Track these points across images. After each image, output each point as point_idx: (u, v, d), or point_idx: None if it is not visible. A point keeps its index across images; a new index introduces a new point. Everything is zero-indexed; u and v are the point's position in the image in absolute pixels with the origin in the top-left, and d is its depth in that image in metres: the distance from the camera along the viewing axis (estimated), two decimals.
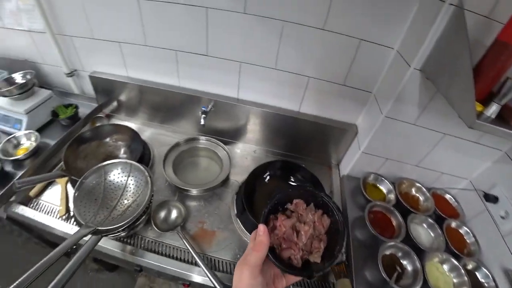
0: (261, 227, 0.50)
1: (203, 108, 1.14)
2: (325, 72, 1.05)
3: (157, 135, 1.34)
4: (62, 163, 1.02)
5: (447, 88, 0.70)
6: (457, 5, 0.69)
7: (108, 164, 0.94)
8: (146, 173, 0.92)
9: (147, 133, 1.34)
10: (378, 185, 1.19)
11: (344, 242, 0.52)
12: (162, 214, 0.99)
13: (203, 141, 1.28)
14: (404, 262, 0.94)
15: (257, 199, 1.09)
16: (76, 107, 1.27)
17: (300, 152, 1.32)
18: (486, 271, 0.93)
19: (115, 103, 1.33)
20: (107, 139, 1.18)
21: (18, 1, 1.12)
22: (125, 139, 1.18)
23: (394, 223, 1.05)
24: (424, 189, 1.14)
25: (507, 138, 0.64)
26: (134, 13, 1.04)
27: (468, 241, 1.04)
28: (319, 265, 0.52)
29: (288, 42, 0.99)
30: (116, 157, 1.16)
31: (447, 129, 0.96)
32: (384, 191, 1.17)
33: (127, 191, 0.94)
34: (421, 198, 1.15)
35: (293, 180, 1.12)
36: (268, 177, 1.12)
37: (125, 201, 0.93)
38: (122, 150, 1.17)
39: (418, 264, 0.90)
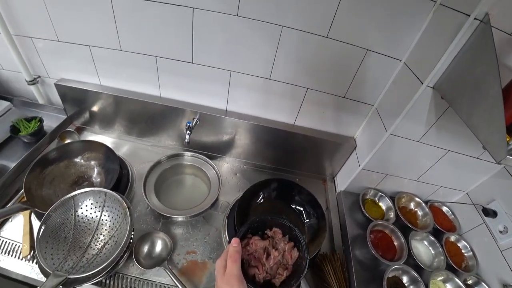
0: (235, 239, 0.59)
1: (188, 124, 1.02)
2: (326, 83, 0.97)
3: (136, 150, 1.20)
4: (22, 191, 0.87)
5: (469, 114, 0.63)
6: (483, 20, 0.61)
7: (78, 194, 0.81)
8: (124, 204, 0.80)
9: (124, 148, 1.20)
10: (377, 201, 1.15)
11: (302, 277, 0.60)
12: (145, 248, 0.87)
13: (188, 157, 1.15)
14: (408, 284, 0.93)
15: None
16: (41, 120, 1.11)
17: (293, 166, 1.24)
18: (486, 286, 0.94)
19: (86, 115, 1.18)
20: (78, 158, 1.03)
21: None
22: (98, 157, 1.04)
23: (396, 243, 1.02)
24: (423, 204, 1.13)
25: None
26: (105, 12, 0.89)
27: (466, 255, 1.04)
28: None
29: (287, 50, 0.89)
30: (89, 178, 1.02)
31: (451, 146, 0.93)
32: (383, 207, 1.14)
33: (102, 225, 0.82)
34: (419, 213, 1.14)
35: (289, 200, 1.03)
36: (262, 198, 1.02)
37: (101, 237, 0.81)
38: (96, 171, 1.03)
39: (422, 286, 0.88)
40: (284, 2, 0.79)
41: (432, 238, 1.02)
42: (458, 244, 1.06)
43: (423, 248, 1.04)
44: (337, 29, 0.83)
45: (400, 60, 0.87)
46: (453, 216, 1.13)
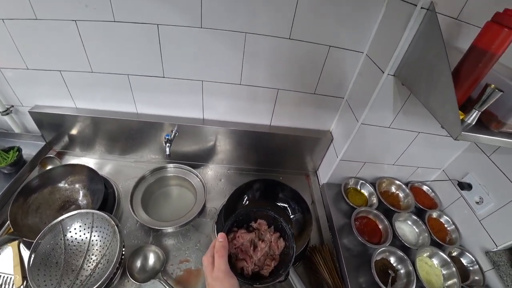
0: (221, 234, 0.60)
1: (167, 136, 1.04)
2: (295, 82, 1.00)
3: (119, 168, 1.21)
4: (8, 222, 0.87)
5: (427, 97, 0.67)
6: (429, 8, 0.66)
7: (65, 218, 0.81)
8: (112, 222, 0.81)
9: (107, 167, 1.20)
10: (359, 188, 1.18)
11: (290, 266, 0.61)
12: (138, 262, 0.88)
13: (171, 169, 1.17)
14: (395, 264, 0.96)
15: None
16: (19, 149, 1.10)
17: (275, 166, 1.27)
18: (469, 255, 0.99)
19: (66, 139, 1.17)
20: (62, 183, 1.03)
21: None
22: (82, 179, 1.04)
23: (380, 226, 1.06)
24: (404, 186, 1.17)
25: (490, 144, 0.63)
26: (72, 37, 0.90)
27: (448, 229, 1.09)
28: (265, 279, 0.62)
29: (253, 55, 0.92)
30: (76, 201, 1.02)
31: (421, 127, 0.98)
32: (366, 194, 1.17)
33: (92, 246, 0.83)
34: (401, 194, 1.18)
35: (273, 198, 1.06)
36: (247, 200, 1.05)
37: (93, 257, 0.82)
38: (81, 193, 1.03)
39: (409, 264, 0.92)
40: (243, 10, 0.82)
41: (415, 217, 1.07)
42: (441, 220, 1.10)
43: (408, 228, 1.08)
44: (298, 30, 0.86)
45: (362, 53, 0.92)
46: (433, 193, 1.18)
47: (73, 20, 0.87)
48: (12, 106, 1.12)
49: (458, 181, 1.06)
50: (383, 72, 0.80)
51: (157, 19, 0.85)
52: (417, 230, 1.07)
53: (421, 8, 0.67)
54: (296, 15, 0.83)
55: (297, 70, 0.97)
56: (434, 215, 1.11)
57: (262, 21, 0.85)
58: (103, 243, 0.84)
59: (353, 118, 0.97)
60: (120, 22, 0.86)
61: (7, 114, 1.11)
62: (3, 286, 0.83)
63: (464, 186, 1.03)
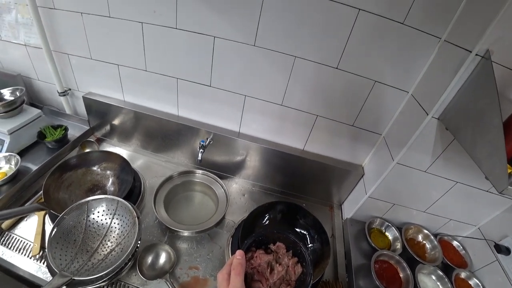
0: (239, 252, 0.57)
1: (202, 142, 1.07)
2: (335, 111, 1.01)
3: (150, 164, 1.25)
4: (41, 192, 0.92)
5: (473, 145, 0.65)
6: (484, 56, 0.65)
7: (92, 200, 0.85)
8: (134, 214, 0.83)
9: (139, 161, 1.25)
10: (383, 230, 1.13)
11: None
12: (149, 259, 0.89)
13: (199, 175, 1.19)
14: None
15: None
16: (66, 129, 1.18)
17: (300, 191, 1.25)
18: None
19: (108, 127, 1.25)
20: (95, 167, 1.08)
21: (17, 14, 1.08)
22: (114, 168, 1.09)
23: (401, 275, 0.99)
24: (432, 237, 1.10)
25: None
26: (136, 37, 0.99)
27: None
28: None
29: (298, 79, 0.95)
30: (104, 187, 1.06)
31: (459, 177, 0.92)
32: (390, 237, 1.11)
33: (111, 232, 0.85)
34: (428, 245, 1.10)
35: (293, 223, 1.03)
36: (267, 220, 1.03)
37: (108, 243, 0.83)
38: (111, 180, 1.08)
39: None
40: (298, 35, 0.86)
41: (441, 273, 0.98)
42: (470, 282, 1.00)
43: (431, 283, 0.99)
44: (346, 61, 0.88)
45: (408, 92, 0.91)
46: (464, 251, 1.09)
47: (140, 22, 0.96)
48: (70, 89, 1.23)
49: (494, 243, 0.98)
50: (427, 114, 0.79)
51: (214, 32, 0.92)
52: (441, 287, 0.98)
53: (476, 55, 0.66)
54: (346, 46, 0.85)
55: (339, 100, 0.98)
56: (463, 275, 1.01)
57: (313, 47, 0.88)
58: (121, 232, 0.85)
59: (389, 156, 0.94)
60: (181, 30, 0.94)
61: (64, 95, 1.21)
62: (21, 250, 0.87)
63: (502, 249, 0.94)
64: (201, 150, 1.05)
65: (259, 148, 1.13)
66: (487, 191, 0.94)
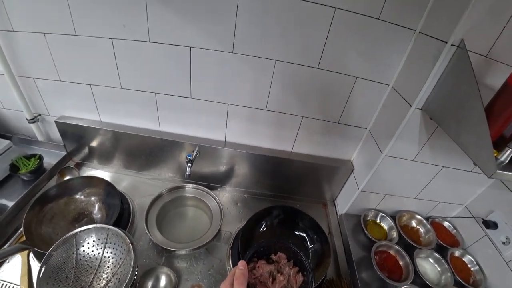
0: (241, 262, 0.58)
1: (188, 157, 1.04)
2: (320, 111, 1.01)
3: (136, 184, 1.20)
4: (21, 229, 0.86)
5: (457, 133, 0.67)
6: (459, 45, 0.67)
7: (80, 231, 0.80)
8: (128, 240, 0.79)
9: (124, 182, 1.20)
10: (378, 221, 1.15)
11: None
12: (149, 284, 0.85)
13: (189, 189, 1.16)
14: None
15: None
16: (40, 157, 1.11)
17: (293, 192, 1.25)
18: None
19: (86, 150, 1.19)
20: (78, 195, 1.02)
21: None
22: (99, 192, 1.03)
23: (401, 263, 1.02)
24: (425, 221, 1.13)
25: None
26: (107, 54, 0.94)
27: (472, 269, 1.04)
28: None
29: (281, 82, 0.94)
30: (90, 215, 1.01)
31: (445, 162, 0.96)
32: (385, 227, 1.14)
33: (104, 262, 0.80)
34: (421, 230, 1.14)
35: (291, 226, 1.03)
36: (265, 227, 1.02)
37: (104, 275, 0.79)
38: (97, 207, 1.02)
39: None
40: (276, 38, 0.85)
41: (437, 255, 1.02)
42: (464, 259, 1.05)
43: (429, 266, 1.03)
44: (326, 60, 0.88)
45: (388, 85, 0.93)
46: (455, 230, 1.14)
47: (109, 38, 0.91)
48: (40, 114, 1.15)
49: (482, 219, 1.02)
50: (411, 106, 0.81)
51: (190, 42, 0.89)
52: (439, 269, 1.02)
53: (452, 45, 0.68)
54: (326, 46, 0.85)
55: (323, 99, 0.98)
56: (457, 253, 1.06)
57: (292, 49, 0.87)
58: (116, 261, 0.81)
59: (377, 149, 0.96)
60: (154, 43, 0.90)
61: (34, 122, 1.14)
62: None
63: (489, 225, 0.99)
64: (189, 164, 1.02)
65: (247, 155, 1.11)
66: (471, 171, 0.98)
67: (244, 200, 1.23)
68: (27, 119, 1.13)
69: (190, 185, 1.16)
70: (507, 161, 0.61)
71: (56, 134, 1.17)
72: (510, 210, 0.94)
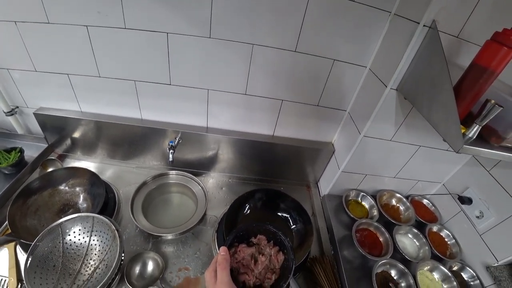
0: (222, 248, 0.61)
1: (171, 143, 1.04)
2: (299, 94, 1.02)
3: (120, 173, 1.20)
4: (6, 223, 0.86)
5: (429, 111, 0.69)
6: (431, 26, 0.69)
7: (65, 221, 0.81)
8: (113, 227, 0.80)
9: (108, 172, 1.20)
10: (360, 200, 1.19)
11: (290, 278, 0.61)
12: (137, 269, 0.87)
13: (173, 175, 1.17)
14: (396, 278, 0.95)
15: None
16: (21, 150, 1.09)
17: (277, 176, 1.27)
18: (470, 270, 0.98)
19: (68, 142, 1.17)
20: (62, 186, 1.02)
21: None
22: (83, 183, 1.04)
23: (381, 239, 1.05)
24: (404, 199, 1.17)
25: (490, 158, 0.64)
26: (83, 42, 0.92)
27: (449, 243, 1.09)
28: None
29: (259, 66, 0.94)
30: (75, 205, 1.01)
31: (421, 141, 0.99)
32: (367, 206, 1.17)
33: (91, 250, 0.82)
34: (401, 207, 1.18)
35: (274, 208, 1.06)
36: (248, 209, 1.04)
37: (91, 262, 0.81)
38: (82, 197, 1.03)
39: (410, 278, 0.92)
40: (253, 21, 0.85)
41: (416, 231, 1.07)
42: (441, 234, 1.11)
43: (408, 241, 1.08)
44: (304, 43, 0.89)
45: (366, 67, 0.94)
46: (433, 207, 1.19)
47: (84, 26, 0.89)
48: (17, 107, 1.13)
49: (458, 195, 1.07)
50: (386, 86, 0.82)
51: (167, 28, 0.88)
52: (417, 244, 1.07)
53: (424, 26, 0.70)
54: (302, 29, 0.86)
55: (301, 82, 0.99)
56: (435, 228, 1.11)
57: (270, 33, 0.87)
58: (102, 247, 0.83)
59: (356, 130, 0.98)
60: (130, 29, 0.88)
61: (12, 115, 1.11)
62: None
63: (464, 200, 1.04)
64: (171, 151, 1.02)
65: (229, 140, 1.12)
66: (447, 150, 1.01)
67: (229, 185, 1.25)
68: (4, 112, 1.10)
69: (175, 172, 1.17)
70: (474, 137, 0.63)
71: (36, 126, 1.14)
72: (483, 185, 0.99)
